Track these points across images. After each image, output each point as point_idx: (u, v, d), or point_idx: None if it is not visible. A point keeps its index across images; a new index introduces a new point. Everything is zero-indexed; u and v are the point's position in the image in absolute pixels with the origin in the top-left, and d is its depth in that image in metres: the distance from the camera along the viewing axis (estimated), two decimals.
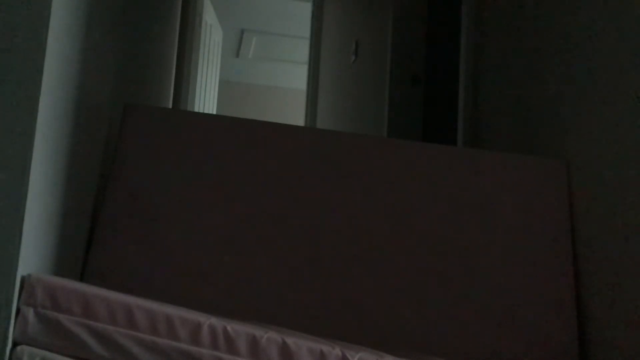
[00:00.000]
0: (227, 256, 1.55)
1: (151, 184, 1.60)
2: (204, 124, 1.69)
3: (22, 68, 1.08)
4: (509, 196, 1.70)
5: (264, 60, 6.98)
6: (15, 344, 1.08)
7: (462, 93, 2.55)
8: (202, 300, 1.47)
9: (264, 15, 5.79)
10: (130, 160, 1.60)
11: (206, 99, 4.26)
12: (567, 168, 1.73)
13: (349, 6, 3.94)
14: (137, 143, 1.62)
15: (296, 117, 7.22)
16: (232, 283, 1.53)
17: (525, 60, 2.08)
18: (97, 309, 1.11)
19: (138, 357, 1.08)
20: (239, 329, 1.12)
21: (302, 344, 1.11)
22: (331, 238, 1.61)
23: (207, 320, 1.12)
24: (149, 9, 2.26)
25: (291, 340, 1.12)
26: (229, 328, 1.12)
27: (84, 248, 1.51)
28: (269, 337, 1.12)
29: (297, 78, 7.02)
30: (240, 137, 1.67)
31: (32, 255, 1.14)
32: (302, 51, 6.11)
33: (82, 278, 1.48)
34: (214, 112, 4.72)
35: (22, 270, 1.09)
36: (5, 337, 1.06)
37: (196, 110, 3.87)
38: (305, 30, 4.93)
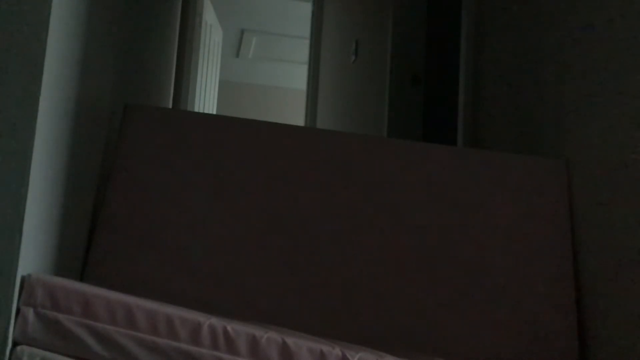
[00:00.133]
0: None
1: (151, 184, 1.60)
2: (204, 124, 1.69)
3: (22, 68, 1.08)
4: (509, 196, 1.70)
5: (264, 60, 6.98)
6: (15, 344, 1.08)
7: (462, 93, 2.55)
8: (202, 300, 1.47)
9: (264, 15, 5.78)
10: (130, 160, 1.60)
11: (206, 99, 4.26)
12: (567, 168, 1.73)
13: (349, 6, 3.94)
14: (137, 143, 1.62)
15: (296, 117, 7.22)
16: (232, 283, 1.53)
17: (525, 60, 2.08)
18: (97, 309, 1.11)
19: (138, 357, 1.08)
20: (239, 329, 1.12)
21: (302, 344, 1.11)
22: (331, 238, 1.61)
23: (207, 320, 1.12)
24: (149, 9, 2.26)
25: (291, 340, 1.11)
26: (229, 328, 1.12)
27: (84, 248, 1.51)
28: (269, 337, 1.12)
29: (297, 78, 7.02)
30: (240, 137, 1.67)
31: (32, 255, 1.14)
32: (302, 51, 6.11)
33: (82, 278, 1.48)
34: (214, 112, 4.72)
35: (22, 270, 1.09)
36: (5, 337, 1.06)
37: (196, 110, 3.86)
38: (305, 30, 4.93)
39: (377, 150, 1.73)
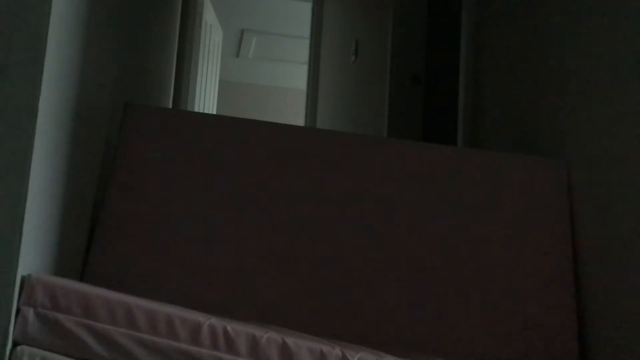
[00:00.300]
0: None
1: (151, 184, 1.60)
2: (204, 124, 1.69)
3: (22, 68, 1.08)
4: (509, 196, 1.70)
5: (264, 60, 6.98)
6: (15, 344, 1.08)
7: (462, 93, 2.55)
8: (202, 300, 1.47)
9: (264, 15, 5.79)
10: (130, 160, 1.60)
11: (206, 99, 4.26)
12: (567, 168, 1.73)
13: (349, 6, 3.94)
14: (137, 143, 1.62)
15: (296, 117, 7.22)
16: (232, 283, 1.53)
17: (525, 60, 2.08)
18: (97, 309, 1.11)
19: (138, 357, 1.08)
20: (239, 329, 1.12)
21: (302, 344, 1.11)
22: (332, 238, 1.61)
23: (207, 320, 1.12)
24: (149, 9, 2.26)
25: (291, 340, 1.11)
26: (229, 328, 1.12)
27: (84, 248, 1.51)
28: (269, 337, 1.12)
29: (297, 78, 7.03)
30: (240, 137, 1.67)
31: (32, 255, 1.14)
32: (302, 51, 6.11)
33: (82, 278, 1.48)
34: (214, 112, 4.72)
35: (22, 270, 1.09)
36: (5, 337, 1.06)
37: (196, 110, 3.86)
38: (305, 30, 4.93)
39: (377, 150, 1.73)
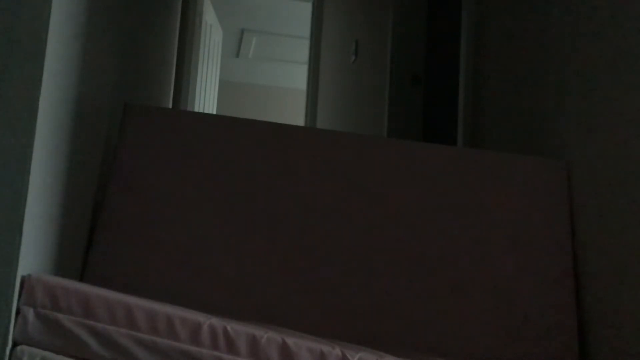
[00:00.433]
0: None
1: (151, 184, 1.60)
2: (204, 124, 1.69)
3: (22, 68, 1.08)
4: (509, 196, 1.70)
5: (264, 60, 6.98)
6: (15, 344, 1.08)
7: (462, 93, 2.55)
8: (202, 300, 1.47)
9: (264, 15, 5.79)
10: (130, 160, 1.60)
11: (206, 99, 4.26)
12: (567, 168, 1.73)
13: (349, 6, 3.94)
14: (137, 143, 1.62)
15: (296, 117, 7.22)
16: (232, 283, 1.53)
17: (525, 60, 2.08)
18: (97, 309, 1.11)
19: (138, 357, 1.08)
20: (239, 329, 1.12)
21: (302, 344, 1.11)
22: (331, 238, 1.61)
23: (207, 320, 1.12)
24: (149, 9, 2.26)
25: (291, 340, 1.11)
26: (229, 328, 1.12)
27: (84, 248, 1.51)
28: (269, 337, 1.12)
29: (297, 78, 7.02)
30: (240, 137, 1.67)
31: (32, 255, 1.14)
32: (302, 51, 6.11)
33: (82, 278, 1.48)
34: (214, 112, 4.72)
35: (22, 270, 1.09)
36: (5, 337, 1.06)
37: (196, 110, 3.86)
38: (305, 30, 4.93)
39: (377, 150, 1.73)
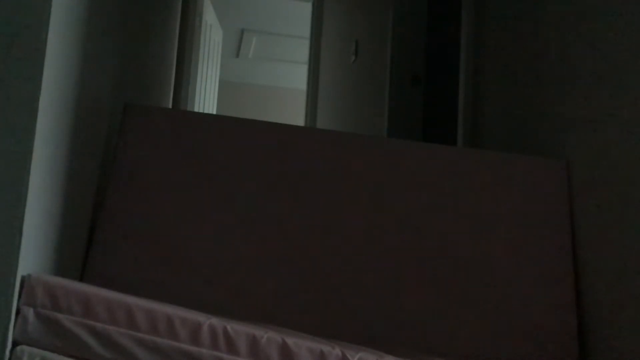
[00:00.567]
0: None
1: (151, 184, 1.60)
2: (204, 124, 1.69)
3: (22, 68, 1.08)
4: (509, 196, 1.70)
5: (264, 60, 6.98)
6: (15, 344, 1.08)
7: (462, 93, 2.55)
8: (202, 300, 1.47)
9: (264, 15, 5.79)
10: (130, 160, 1.60)
11: (206, 99, 4.26)
12: (567, 168, 1.73)
13: (349, 6, 3.94)
14: (137, 143, 1.62)
15: (296, 117, 7.22)
16: (233, 283, 1.53)
17: (525, 60, 2.08)
18: (97, 309, 1.11)
19: (138, 357, 1.08)
20: (239, 329, 1.12)
21: (302, 344, 1.11)
22: (331, 238, 1.61)
23: (207, 320, 1.12)
24: (149, 9, 2.26)
25: (291, 340, 1.11)
26: (229, 328, 1.12)
27: (84, 248, 1.51)
28: (269, 337, 1.12)
29: (297, 78, 7.02)
30: (240, 137, 1.67)
31: (32, 255, 1.14)
32: (302, 51, 6.11)
33: (82, 278, 1.48)
34: (214, 112, 4.72)
35: (22, 270, 1.09)
36: (5, 337, 1.06)
37: (196, 110, 3.86)
38: (305, 30, 4.93)
39: (377, 150, 1.73)
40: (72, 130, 1.32)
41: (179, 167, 1.62)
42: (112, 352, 1.08)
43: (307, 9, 4.87)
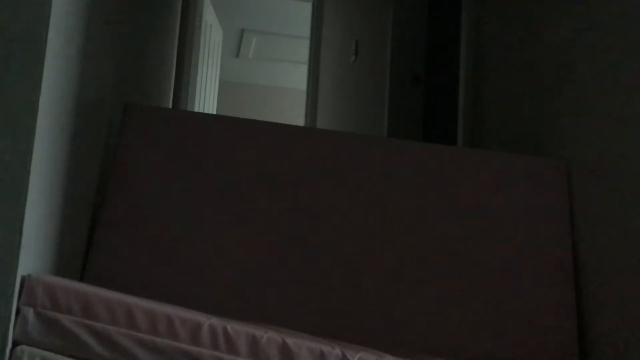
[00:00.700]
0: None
1: (151, 184, 1.60)
2: (204, 124, 1.69)
3: (22, 68, 1.08)
4: (509, 196, 1.70)
5: (264, 60, 6.98)
6: (15, 344, 1.08)
7: (462, 93, 2.55)
8: (202, 300, 1.47)
9: (264, 15, 5.78)
10: (130, 160, 1.60)
11: (206, 99, 4.26)
12: (567, 168, 1.73)
13: (349, 6, 3.94)
14: (137, 143, 1.62)
15: (296, 117, 7.22)
16: (232, 283, 1.53)
17: (525, 60, 2.08)
18: (97, 309, 1.11)
19: (138, 357, 1.08)
20: (239, 329, 1.12)
21: (302, 344, 1.11)
22: (331, 238, 1.61)
23: (207, 320, 1.12)
24: (149, 9, 2.26)
25: (291, 340, 1.11)
26: (229, 328, 1.11)
27: (84, 248, 1.51)
28: (269, 337, 1.12)
29: (297, 78, 7.02)
30: (240, 137, 1.67)
31: (32, 255, 1.14)
32: (302, 51, 6.11)
33: (82, 278, 1.48)
34: (214, 112, 4.72)
35: (22, 270, 1.09)
36: (5, 337, 1.06)
37: (196, 110, 3.86)
38: (305, 30, 4.93)
39: (377, 150, 1.73)
40: (72, 130, 1.32)
41: (179, 167, 1.62)
42: (112, 352, 1.08)
43: (307, 9, 4.87)
